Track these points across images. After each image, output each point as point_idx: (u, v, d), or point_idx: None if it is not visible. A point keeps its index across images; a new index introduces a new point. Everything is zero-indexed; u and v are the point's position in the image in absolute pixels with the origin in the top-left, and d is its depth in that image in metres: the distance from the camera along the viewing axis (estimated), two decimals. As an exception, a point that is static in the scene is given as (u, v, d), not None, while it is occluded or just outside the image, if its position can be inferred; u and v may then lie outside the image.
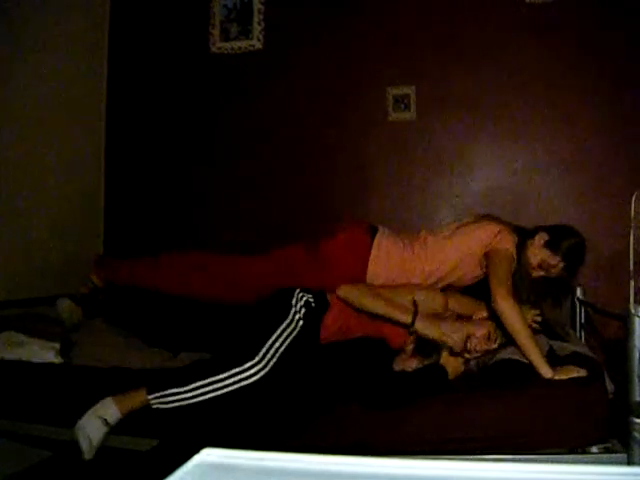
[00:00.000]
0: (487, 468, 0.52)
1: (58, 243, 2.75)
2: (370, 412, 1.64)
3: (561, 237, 2.05)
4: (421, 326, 1.79)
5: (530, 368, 1.71)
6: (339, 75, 2.94)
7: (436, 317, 1.89)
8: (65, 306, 2.29)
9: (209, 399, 1.64)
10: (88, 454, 1.63)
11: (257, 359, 1.67)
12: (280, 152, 3.00)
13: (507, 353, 1.82)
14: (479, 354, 1.88)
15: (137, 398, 1.67)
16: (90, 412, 1.65)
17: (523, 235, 2.07)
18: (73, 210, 2.90)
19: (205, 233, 3.05)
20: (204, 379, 1.63)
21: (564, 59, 2.68)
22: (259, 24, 2.99)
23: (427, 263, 2.08)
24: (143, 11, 3.19)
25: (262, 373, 1.66)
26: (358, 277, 2.06)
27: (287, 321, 1.78)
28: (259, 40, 2.99)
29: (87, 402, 1.79)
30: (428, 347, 1.83)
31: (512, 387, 1.66)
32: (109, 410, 1.64)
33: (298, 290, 1.90)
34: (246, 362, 1.66)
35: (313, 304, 1.89)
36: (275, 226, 2.93)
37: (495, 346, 1.88)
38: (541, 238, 2.05)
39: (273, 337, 1.73)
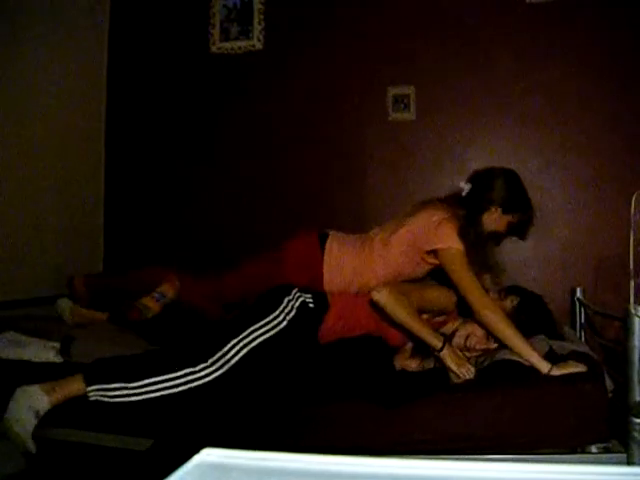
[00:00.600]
0: (487, 468, 0.52)
1: (58, 243, 2.75)
2: (370, 412, 1.64)
3: (497, 192, 2.11)
4: (447, 355, 1.74)
5: (529, 368, 1.71)
6: (339, 75, 2.94)
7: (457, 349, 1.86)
8: (64, 306, 2.29)
9: (157, 397, 1.57)
10: (32, 447, 1.53)
11: (210, 361, 1.61)
12: (280, 152, 3.00)
13: (505, 354, 1.83)
14: (478, 353, 1.89)
15: (71, 387, 1.57)
16: (20, 403, 1.52)
17: (471, 210, 2.07)
18: (73, 210, 2.90)
19: (204, 233, 3.05)
20: (155, 376, 1.56)
21: (564, 59, 2.68)
22: (259, 24, 2.99)
23: (377, 266, 2.10)
24: (143, 11, 3.19)
25: (216, 374, 1.61)
26: (314, 284, 2.09)
27: (264, 321, 1.73)
28: (259, 40, 2.99)
29: (86, 401, 1.79)
30: (427, 347, 1.84)
31: (512, 387, 1.66)
32: (40, 402, 1.53)
33: (296, 290, 1.87)
34: (199, 363, 1.60)
35: (311, 304, 1.87)
36: (275, 226, 2.93)
37: (495, 345, 1.88)
38: (496, 209, 2.09)
39: (236, 339, 1.67)
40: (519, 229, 2.18)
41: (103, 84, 3.16)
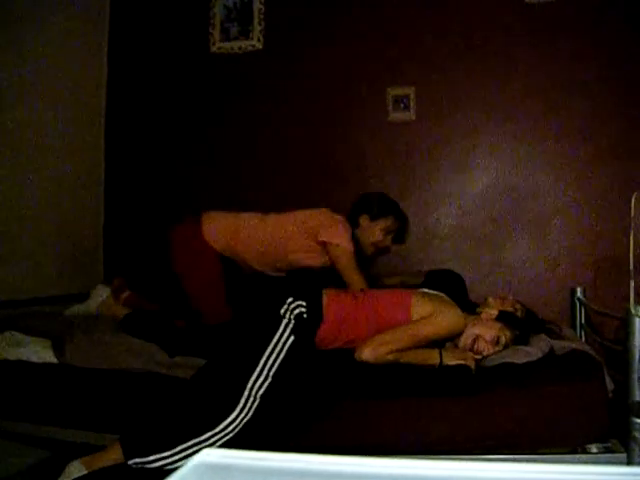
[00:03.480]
0: (487, 468, 0.52)
1: (58, 244, 2.75)
2: (369, 413, 1.64)
3: (372, 205, 2.36)
4: (449, 362, 1.78)
5: (527, 369, 1.72)
6: (339, 75, 2.94)
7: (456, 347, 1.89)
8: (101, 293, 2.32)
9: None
10: None
11: (237, 411, 1.57)
12: (280, 152, 3.00)
13: (501, 357, 1.82)
14: (480, 356, 1.88)
15: (110, 458, 1.60)
16: None
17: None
18: (73, 210, 2.90)
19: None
20: (186, 441, 1.55)
21: (564, 60, 2.68)
22: (259, 24, 2.99)
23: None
24: (143, 11, 3.19)
25: (248, 417, 1.57)
26: None
27: (271, 346, 1.65)
28: (259, 40, 2.99)
29: (86, 402, 1.79)
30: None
31: (511, 387, 1.66)
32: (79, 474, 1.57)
33: (291, 300, 1.75)
34: (225, 419, 1.56)
35: (305, 315, 1.76)
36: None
37: (500, 348, 1.87)
38: (364, 219, 2.33)
39: (254, 377, 1.61)
40: (399, 235, 2.41)
41: (103, 84, 3.16)
